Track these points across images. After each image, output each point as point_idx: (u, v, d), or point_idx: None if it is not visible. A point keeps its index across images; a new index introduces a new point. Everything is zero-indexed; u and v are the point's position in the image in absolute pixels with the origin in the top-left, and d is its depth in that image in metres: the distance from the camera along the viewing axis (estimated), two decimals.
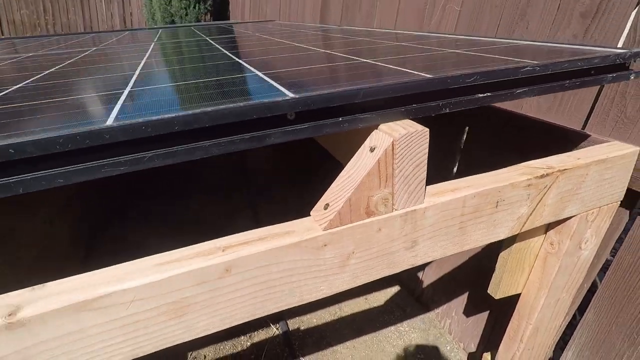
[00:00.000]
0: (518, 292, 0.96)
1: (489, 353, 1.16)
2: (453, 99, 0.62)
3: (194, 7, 7.57)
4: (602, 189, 0.81)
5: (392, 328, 1.62)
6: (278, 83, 0.62)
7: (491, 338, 1.45)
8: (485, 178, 0.69)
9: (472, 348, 1.52)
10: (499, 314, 1.37)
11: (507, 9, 1.39)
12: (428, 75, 0.61)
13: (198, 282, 0.50)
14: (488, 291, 0.94)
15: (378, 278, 0.63)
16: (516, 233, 0.76)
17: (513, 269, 0.90)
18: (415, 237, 0.63)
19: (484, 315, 1.45)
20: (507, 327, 1.05)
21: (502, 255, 0.90)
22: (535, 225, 0.77)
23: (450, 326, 1.62)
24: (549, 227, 0.88)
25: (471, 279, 1.50)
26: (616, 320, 1.07)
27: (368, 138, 0.58)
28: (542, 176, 0.70)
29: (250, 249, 0.52)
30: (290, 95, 0.52)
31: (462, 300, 1.56)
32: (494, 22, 1.44)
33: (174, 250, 0.51)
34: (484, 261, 1.39)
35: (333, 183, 0.59)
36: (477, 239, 0.70)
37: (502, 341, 1.05)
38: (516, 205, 0.71)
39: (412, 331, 1.61)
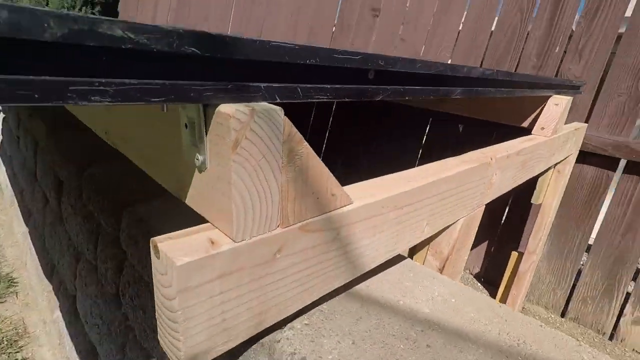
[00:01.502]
0: (541, 202, 1.85)
1: (515, 252, 2.00)
2: None
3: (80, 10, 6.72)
4: (577, 144, 1.78)
5: None
6: None
7: (491, 259, 2.32)
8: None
9: (477, 270, 2.36)
10: (496, 243, 2.25)
11: None
12: None
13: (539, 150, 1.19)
14: (531, 201, 1.80)
15: None
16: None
17: (542, 187, 1.79)
18: None
19: (484, 245, 2.32)
20: (499, 248, 1.93)
21: (540, 179, 1.78)
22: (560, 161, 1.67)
23: None
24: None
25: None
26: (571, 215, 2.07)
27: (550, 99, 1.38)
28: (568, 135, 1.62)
29: None
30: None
31: None
32: None
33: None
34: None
35: None
36: None
37: (530, 236, 1.91)
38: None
39: None
